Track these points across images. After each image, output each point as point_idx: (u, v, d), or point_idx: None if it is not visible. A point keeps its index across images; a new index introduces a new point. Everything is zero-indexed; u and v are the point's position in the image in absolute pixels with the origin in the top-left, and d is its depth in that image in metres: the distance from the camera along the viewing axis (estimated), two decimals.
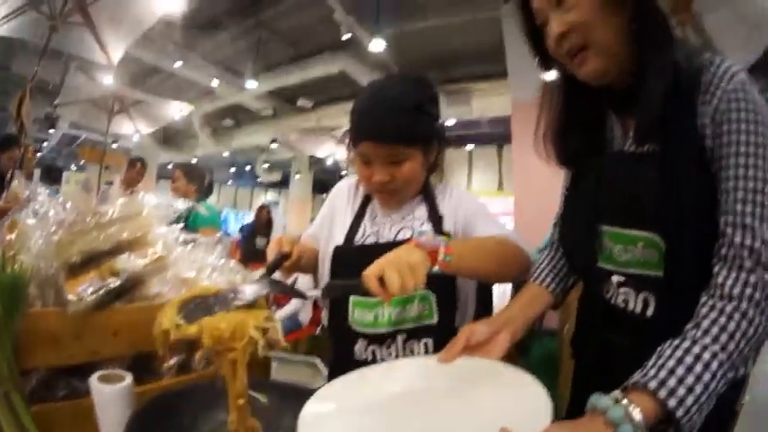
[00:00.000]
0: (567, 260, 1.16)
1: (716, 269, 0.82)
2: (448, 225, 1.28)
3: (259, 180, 20.69)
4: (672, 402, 0.70)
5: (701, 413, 0.72)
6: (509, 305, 1.11)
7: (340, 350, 1.29)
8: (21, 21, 5.01)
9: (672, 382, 0.71)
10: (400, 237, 1.29)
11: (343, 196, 1.43)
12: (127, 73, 9.72)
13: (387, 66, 8.93)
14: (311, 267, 1.38)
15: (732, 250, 0.81)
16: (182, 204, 1.24)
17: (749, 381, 0.95)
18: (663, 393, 0.71)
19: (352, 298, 1.24)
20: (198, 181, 4.04)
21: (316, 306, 4.82)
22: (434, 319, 1.23)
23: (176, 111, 7.86)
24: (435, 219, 1.29)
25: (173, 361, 1.04)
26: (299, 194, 17.10)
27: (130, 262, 1.03)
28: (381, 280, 0.86)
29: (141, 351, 1.00)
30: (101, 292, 0.93)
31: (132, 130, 7.99)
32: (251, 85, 9.34)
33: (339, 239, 1.33)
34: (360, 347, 1.25)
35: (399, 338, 1.23)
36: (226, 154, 16.19)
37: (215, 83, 10.02)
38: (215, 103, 11.54)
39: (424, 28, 7.98)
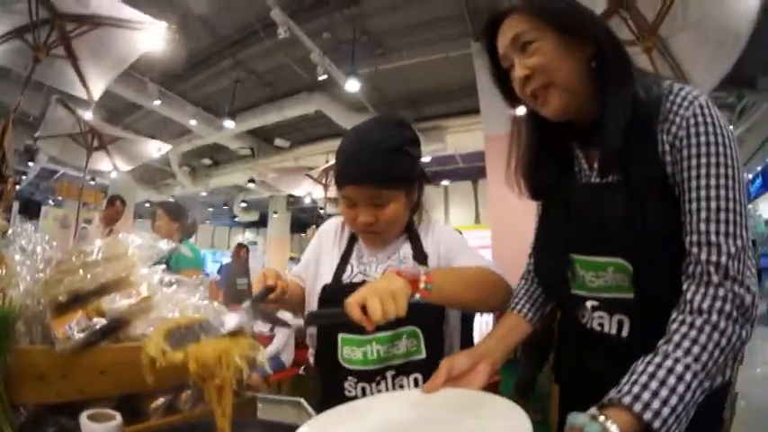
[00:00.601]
0: (542, 289, 1.19)
1: (684, 286, 0.86)
2: (432, 262, 1.30)
3: (236, 220, 20.55)
4: (648, 415, 0.72)
5: (680, 424, 0.74)
6: (488, 336, 1.14)
7: (329, 387, 1.29)
8: (4, 49, 5.03)
9: (646, 395, 0.73)
10: None
11: (330, 236, 1.45)
12: (106, 109, 9.72)
13: (362, 105, 9.08)
14: (295, 304, 1.38)
15: (699, 267, 0.84)
16: (165, 245, 1.24)
17: (742, 388, 0.97)
18: (638, 407, 0.73)
19: (340, 335, 1.25)
20: (181, 219, 4.01)
21: (298, 347, 4.77)
22: (423, 355, 1.24)
23: (155, 149, 7.83)
24: (421, 257, 1.31)
25: (160, 402, 1.03)
26: (278, 234, 17.02)
27: (116, 302, 1.02)
28: (364, 308, 0.87)
29: (128, 392, 0.99)
30: (88, 330, 0.92)
31: (110, 167, 7.91)
32: (228, 124, 9.38)
33: (326, 278, 1.33)
34: (350, 384, 1.25)
35: (389, 375, 1.24)
36: (203, 193, 16.12)
37: (193, 122, 10.04)
38: (193, 143, 11.54)
39: (399, 67, 8.16)
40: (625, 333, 0.98)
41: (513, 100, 1.09)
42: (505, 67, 1.04)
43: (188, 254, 3.72)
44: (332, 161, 8.90)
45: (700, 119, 0.88)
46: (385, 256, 1.34)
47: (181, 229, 3.96)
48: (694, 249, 0.85)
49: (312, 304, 1.34)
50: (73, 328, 0.92)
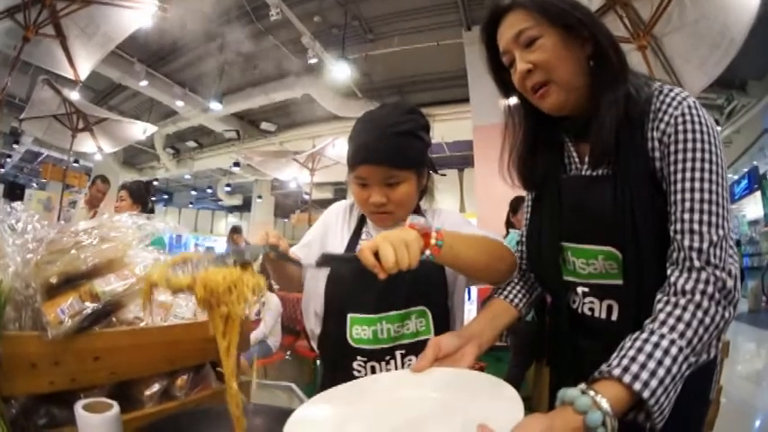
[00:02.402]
0: (535, 276, 1.23)
1: (669, 272, 0.91)
2: None
3: (220, 203, 20.41)
4: (637, 386, 0.75)
5: (668, 396, 0.78)
6: (476, 319, 1.17)
7: (336, 368, 1.29)
8: None
9: (635, 367, 0.77)
10: None
11: (339, 217, 1.46)
12: (92, 90, 9.55)
13: (350, 90, 9.03)
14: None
15: (682, 253, 0.89)
16: (161, 225, 1.20)
17: (724, 386, 1.00)
18: (627, 378, 0.76)
19: (350, 315, 1.26)
20: (143, 204, 3.96)
21: (284, 332, 4.77)
22: (431, 335, 1.25)
23: (140, 131, 7.72)
24: None
25: (154, 388, 1.00)
26: (262, 218, 16.93)
27: (110, 284, 0.98)
28: (377, 256, 0.89)
29: (123, 379, 0.95)
30: (82, 315, 0.88)
31: (95, 149, 7.78)
32: (215, 106, 9.27)
33: None
34: (359, 364, 1.26)
35: (398, 354, 1.26)
36: (187, 176, 15.96)
37: (179, 104, 9.90)
38: (178, 125, 11.40)
39: (389, 54, 8.13)
40: (614, 317, 1.04)
41: (507, 91, 1.14)
42: (505, 60, 1.07)
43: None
44: (318, 146, 8.85)
45: (687, 117, 0.94)
46: None
47: (143, 209, 3.91)
48: (678, 237, 0.91)
49: (318, 284, 1.33)
50: (65, 311, 0.88)
